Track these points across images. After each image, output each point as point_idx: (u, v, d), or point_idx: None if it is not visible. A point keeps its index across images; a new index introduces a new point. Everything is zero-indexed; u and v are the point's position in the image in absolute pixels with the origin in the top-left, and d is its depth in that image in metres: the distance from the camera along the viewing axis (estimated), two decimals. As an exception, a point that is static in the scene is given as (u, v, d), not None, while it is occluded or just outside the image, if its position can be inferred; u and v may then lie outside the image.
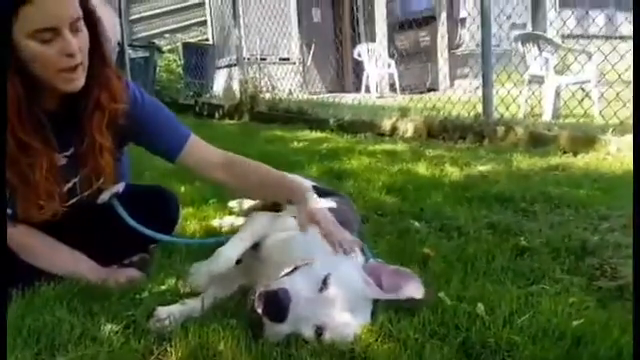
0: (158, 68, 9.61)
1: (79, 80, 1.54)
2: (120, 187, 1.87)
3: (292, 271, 1.41)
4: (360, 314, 1.39)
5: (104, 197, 1.83)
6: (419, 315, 1.42)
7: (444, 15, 10.95)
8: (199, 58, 8.99)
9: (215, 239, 1.93)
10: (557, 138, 4.09)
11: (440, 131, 4.76)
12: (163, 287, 1.70)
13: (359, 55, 9.85)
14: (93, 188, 1.77)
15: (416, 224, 2.29)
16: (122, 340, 1.37)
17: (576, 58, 5.48)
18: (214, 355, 1.27)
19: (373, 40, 10.67)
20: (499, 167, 3.38)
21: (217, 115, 6.83)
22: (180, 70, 9.65)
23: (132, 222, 1.86)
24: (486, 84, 4.57)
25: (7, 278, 1.48)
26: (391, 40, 11.06)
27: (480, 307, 1.46)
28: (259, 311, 1.31)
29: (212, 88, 8.59)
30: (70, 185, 1.74)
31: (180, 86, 9.16)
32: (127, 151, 1.91)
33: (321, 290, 1.34)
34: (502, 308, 1.46)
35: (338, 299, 1.34)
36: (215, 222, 2.37)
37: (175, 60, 10.09)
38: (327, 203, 1.97)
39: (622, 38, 4.81)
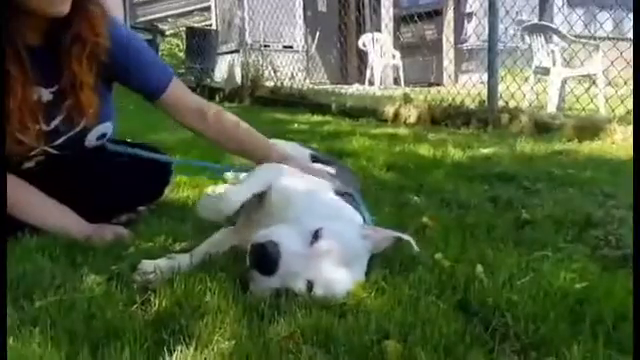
0: (160, 52, 9.55)
1: (64, 5, 1.49)
2: (108, 129, 1.82)
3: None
4: (353, 270, 1.33)
5: (91, 138, 1.78)
6: (415, 274, 1.37)
7: (451, 9, 10.87)
8: (202, 43, 8.90)
9: (220, 166, 1.90)
10: (562, 127, 4.03)
11: (444, 117, 4.69)
12: (150, 244, 1.65)
13: (364, 45, 9.77)
14: (76, 126, 1.72)
15: (415, 198, 2.23)
16: (104, 289, 1.31)
17: (584, 45, 5.38)
18: (199, 306, 1.21)
19: (379, 30, 10.59)
20: (502, 150, 3.32)
21: (218, 98, 6.76)
22: (182, 55, 9.58)
23: (131, 150, 1.87)
24: (491, 71, 4.50)
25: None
26: (396, 32, 10.98)
27: (479, 268, 1.40)
28: (247, 264, 1.26)
29: (214, 73, 8.51)
30: (56, 122, 1.70)
31: (182, 71, 9.08)
32: (113, 94, 1.86)
33: (312, 244, 1.28)
34: (502, 271, 1.40)
35: (330, 253, 1.28)
36: (209, 189, 2.31)
37: (178, 44, 10.03)
38: (325, 168, 1.91)
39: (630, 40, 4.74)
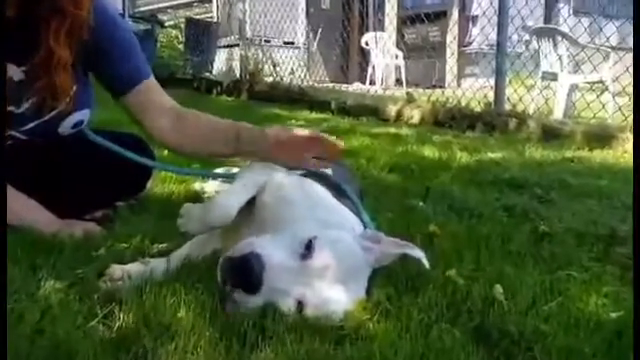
0: (159, 43, 9.34)
1: None
2: (85, 116, 1.64)
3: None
4: (352, 287, 1.13)
5: (66, 126, 1.60)
6: (424, 294, 1.18)
7: (456, 11, 10.70)
8: (201, 35, 8.70)
9: (206, 172, 1.69)
10: (571, 133, 3.85)
11: (448, 119, 4.51)
12: (124, 245, 1.45)
13: (366, 44, 9.58)
14: (48, 111, 1.54)
15: (420, 203, 2.04)
16: (61, 298, 1.12)
17: (598, 50, 5.19)
18: (169, 324, 1.02)
19: (382, 30, 10.41)
20: (511, 155, 3.14)
21: (215, 92, 6.56)
22: (181, 47, 9.38)
23: (109, 144, 1.66)
24: (499, 73, 4.33)
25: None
26: (400, 33, 10.80)
27: (498, 289, 1.22)
28: (225, 281, 1.06)
29: (213, 66, 8.31)
30: (27, 105, 1.52)
31: (180, 63, 8.88)
32: (92, 81, 1.67)
33: (303, 256, 1.09)
34: (523, 293, 1.22)
35: (324, 268, 1.09)
36: (196, 185, 2.12)
37: (177, 36, 9.83)
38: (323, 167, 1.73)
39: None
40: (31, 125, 1.55)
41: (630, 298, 1.25)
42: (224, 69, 7.95)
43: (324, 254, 1.09)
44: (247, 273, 1.03)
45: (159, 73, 8.32)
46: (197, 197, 1.97)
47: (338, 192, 1.53)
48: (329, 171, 1.72)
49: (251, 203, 1.34)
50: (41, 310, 1.06)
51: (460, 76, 10.51)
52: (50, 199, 1.56)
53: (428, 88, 7.42)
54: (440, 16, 10.62)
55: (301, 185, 1.37)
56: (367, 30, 10.27)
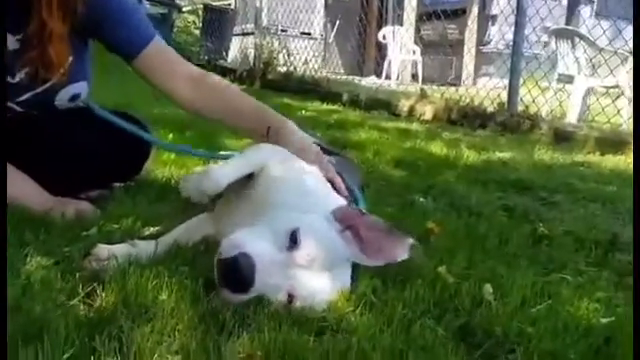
0: (176, 28, 9.36)
1: None
2: (82, 89, 1.63)
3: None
4: (338, 276, 1.12)
5: (62, 98, 1.59)
6: (411, 289, 1.16)
7: (475, 10, 10.59)
8: (218, 22, 8.70)
9: (209, 153, 1.69)
10: (584, 137, 3.79)
11: (460, 117, 4.46)
12: (116, 226, 1.44)
13: (384, 38, 9.51)
14: (42, 82, 1.53)
15: (422, 199, 2.02)
16: (44, 275, 1.11)
17: (616, 53, 5.10)
18: (149, 307, 1.01)
19: (400, 24, 10.33)
20: (520, 157, 3.09)
21: (228, 79, 6.55)
22: (198, 32, 9.38)
23: (112, 118, 1.65)
24: (513, 73, 4.27)
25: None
26: (418, 29, 10.71)
27: (488, 289, 1.20)
28: (217, 282, 1.05)
29: (228, 53, 8.30)
30: (21, 75, 1.51)
31: (196, 49, 8.88)
32: (91, 51, 1.66)
33: (290, 249, 1.07)
34: (513, 294, 1.19)
35: (311, 259, 1.07)
36: (198, 169, 2.11)
37: (194, 21, 9.84)
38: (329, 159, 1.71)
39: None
40: (26, 96, 1.54)
41: (623, 304, 1.22)
42: (239, 57, 7.93)
43: (309, 244, 1.08)
44: (238, 275, 1.02)
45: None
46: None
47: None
48: (332, 162, 1.71)
49: (246, 184, 1.33)
50: (22, 286, 1.05)
51: (476, 75, 10.42)
52: (46, 176, 1.55)
53: (444, 85, 7.36)
54: (459, 14, 10.52)
55: (298, 172, 1.35)
56: (385, 24, 10.20)
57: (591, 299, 1.22)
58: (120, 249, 1.24)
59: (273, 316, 1.01)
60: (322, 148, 1.82)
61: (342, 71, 10.14)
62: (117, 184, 1.81)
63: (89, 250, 1.23)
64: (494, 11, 10.31)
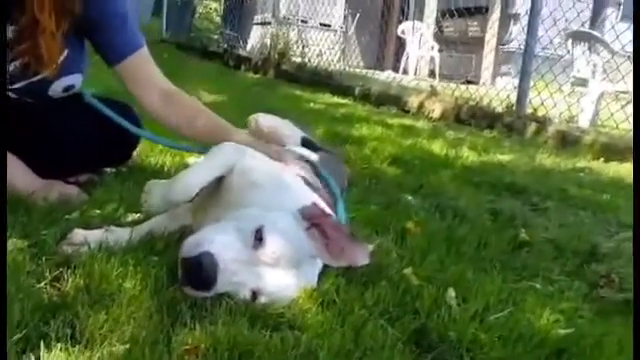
0: (198, 14, 9.41)
1: None
2: (76, 80, 1.67)
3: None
4: (304, 274, 1.14)
5: (56, 89, 1.63)
6: (374, 289, 1.17)
7: (498, 8, 10.48)
8: (240, 10, 8.72)
9: (197, 147, 1.73)
10: (591, 142, 3.75)
11: (468, 117, 4.44)
12: (98, 211, 1.48)
13: (403, 32, 9.47)
14: (33, 74, 1.56)
15: (410, 198, 2.03)
16: (16, 257, 1.14)
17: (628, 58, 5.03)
18: (109, 294, 1.04)
19: (421, 20, 10.27)
20: (520, 160, 3.08)
21: (243, 67, 6.59)
22: (219, 19, 9.41)
23: (107, 110, 1.70)
24: (524, 75, 4.24)
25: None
26: (438, 24, 10.64)
27: (450, 293, 1.21)
28: (180, 280, 1.07)
29: (247, 42, 8.31)
30: (16, 64, 1.54)
31: (216, 36, 8.91)
32: (86, 49, 1.69)
33: (255, 247, 1.09)
34: (477, 299, 1.21)
35: (277, 256, 1.09)
36: (191, 160, 2.13)
37: (216, 9, 9.87)
38: (309, 154, 1.73)
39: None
40: (20, 84, 1.57)
41: (587, 317, 1.23)
42: (257, 46, 7.94)
43: (274, 242, 1.10)
44: (200, 275, 1.04)
45: (192, 44, 8.37)
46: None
47: (320, 180, 1.53)
48: (315, 157, 1.73)
49: (219, 182, 1.35)
50: (-8, 267, 1.08)
51: (495, 74, 10.33)
52: (36, 159, 1.58)
53: (462, 83, 7.31)
54: (481, 11, 10.43)
55: (271, 169, 1.37)
56: (406, 19, 10.14)
57: (555, 309, 1.23)
58: (95, 235, 1.27)
59: (231, 310, 1.03)
60: (309, 144, 1.84)
61: (361, 64, 10.13)
62: (108, 169, 1.85)
63: (65, 234, 1.27)
64: (517, 10, 10.20)
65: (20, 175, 1.54)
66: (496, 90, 4.75)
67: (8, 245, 1.21)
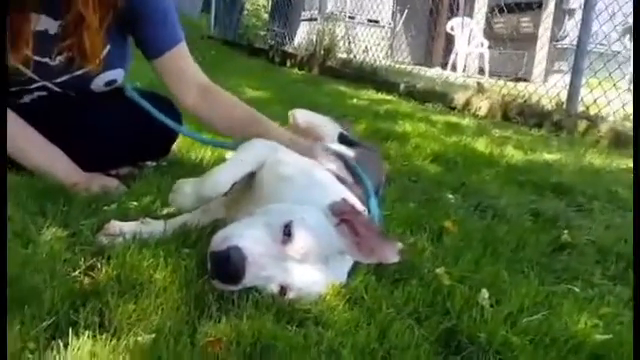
0: (246, 11, 9.50)
1: None
2: (118, 75, 1.71)
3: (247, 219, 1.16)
4: (333, 270, 1.13)
5: (98, 83, 1.68)
6: (404, 288, 1.16)
7: (552, 3, 10.21)
8: (287, 7, 8.74)
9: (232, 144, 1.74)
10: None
11: (516, 114, 4.34)
12: (135, 203, 1.50)
13: (452, 29, 9.35)
14: (77, 68, 1.61)
15: (450, 196, 1.99)
16: (54, 245, 1.17)
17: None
18: (140, 284, 1.05)
19: (471, 17, 10.10)
20: (568, 159, 2.99)
21: (288, 64, 6.61)
22: (266, 16, 9.47)
23: (146, 105, 1.73)
24: (576, 71, 4.11)
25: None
26: (490, 21, 10.43)
27: (484, 294, 1.18)
28: (209, 273, 1.08)
29: (294, 38, 8.33)
30: (61, 58, 1.59)
31: (263, 33, 8.97)
32: (129, 43, 1.73)
33: (284, 242, 1.09)
34: (512, 301, 1.17)
35: (305, 252, 1.09)
36: (228, 155, 2.15)
37: (264, 5, 9.93)
38: (344, 150, 1.72)
39: None
40: (64, 78, 1.62)
41: (629, 323, 1.18)
42: (304, 43, 7.96)
43: (303, 237, 1.09)
44: (229, 268, 1.04)
45: (239, 41, 8.44)
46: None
47: (353, 176, 1.52)
48: (350, 153, 1.72)
49: (251, 178, 1.36)
50: (26, 256, 1.11)
51: (548, 71, 10.07)
52: (78, 152, 1.62)
53: (513, 80, 7.15)
54: (534, 7, 10.18)
55: (302, 165, 1.37)
56: (456, 15, 9.99)
57: (593, 314, 1.18)
58: (130, 226, 1.29)
59: (258, 304, 1.03)
60: (346, 140, 1.83)
61: (409, 61, 10.03)
62: (149, 163, 1.88)
63: (103, 225, 1.30)
64: (572, 5, 9.91)
65: (63, 167, 1.58)
66: (545, 87, 4.61)
67: (46, 234, 1.25)
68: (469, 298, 1.16)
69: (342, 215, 1.16)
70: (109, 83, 1.70)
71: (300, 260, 1.09)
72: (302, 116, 1.89)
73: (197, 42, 7.77)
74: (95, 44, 1.53)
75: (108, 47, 1.61)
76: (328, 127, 1.94)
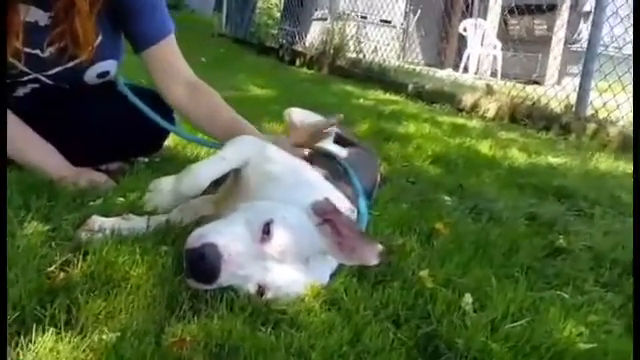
0: (258, 10, 9.48)
1: None
2: (111, 67, 1.70)
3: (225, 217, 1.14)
4: (314, 270, 1.11)
5: (91, 74, 1.67)
6: (384, 291, 1.13)
7: (566, 5, 10.10)
8: (299, 6, 8.71)
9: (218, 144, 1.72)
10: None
11: (524, 116, 4.28)
12: (121, 199, 1.49)
13: (464, 30, 9.27)
14: (71, 58, 1.60)
15: (446, 198, 1.96)
16: (33, 241, 1.16)
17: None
18: (113, 281, 1.04)
19: (484, 18, 10.02)
20: (573, 163, 2.94)
21: (298, 63, 6.58)
22: (278, 15, 9.46)
23: (137, 101, 1.71)
24: (585, 73, 4.06)
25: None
26: (503, 22, 10.35)
27: (467, 298, 1.15)
28: (185, 272, 1.06)
29: (305, 38, 8.30)
30: (52, 49, 1.58)
31: (274, 31, 8.95)
32: (122, 36, 1.71)
33: (263, 240, 1.07)
34: (496, 307, 1.14)
35: (283, 250, 1.07)
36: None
37: (276, 4, 9.90)
38: (336, 149, 1.70)
39: None
40: (56, 70, 1.61)
41: (618, 332, 1.15)
42: (315, 42, 7.93)
43: (282, 236, 1.07)
44: (204, 266, 1.02)
45: (249, 39, 8.42)
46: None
47: (344, 176, 1.50)
48: (344, 153, 1.70)
49: (236, 175, 1.34)
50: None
51: (562, 74, 9.97)
52: (68, 147, 1.61)
53: (526, 83, 7.07)
54: (548, 9, 10.07)
55: (290, 163, 1.34)
56: (470, 16, 9.92)
57: (581, 322, 1.15)
58: (111, 222, 1.28)
59: (232, 304, 1.01)
60: (341, 139, 1.81)
61: (421, 62, 9.96)
62: (141, 159, 1.87)
63: (84, 220, 1.28)
64: (587, 7, 9.80)
65: (52, 161, 1.57)
66: (555, 90, 4.55)
67: (28, 229, 1.24)
68: (451, 302, 1.13)
69: (324, 215, 1.14)
70: (102, 75, 1.68)
71: (279, 259, 1.07)
72: (297, 115, 1.87)
73: (208, 40, 7.79)
74: (87, 30, 1.52)
75: (100, 37, 1.60)
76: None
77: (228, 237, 1.05)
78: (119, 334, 0.88)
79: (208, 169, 1.30)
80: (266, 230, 1.07)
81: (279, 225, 1.08)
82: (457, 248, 1.45)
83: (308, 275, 1.10)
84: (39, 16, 1.53)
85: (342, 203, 1.29)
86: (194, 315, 0.97)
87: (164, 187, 1.32)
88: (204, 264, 1.01)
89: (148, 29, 1.61)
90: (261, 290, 1.05)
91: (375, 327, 0.99)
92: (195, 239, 1.05)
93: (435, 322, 1.06)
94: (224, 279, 1.03)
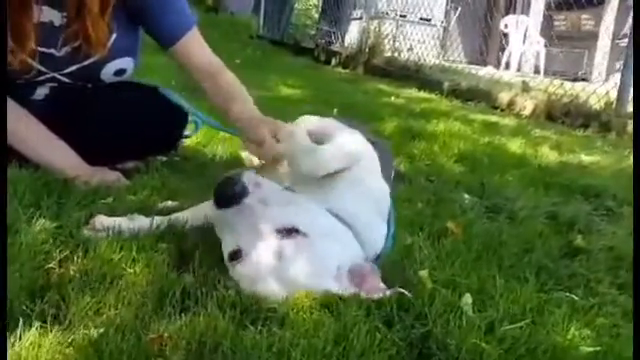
0: (296, 10, 9.52)
1: None
2: (127, 64, 1.73)
3: None
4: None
5: (107, 72, 1.70)
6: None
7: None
8: (337, 6, 8.70)
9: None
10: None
11: (562, 114, 4.17)
12: (132, 197, 1.51)
13: (505, 27, 9.10)
14: (86, 57, 1.63)
15: (465, 197, 1.92)
16: (37, 238, 1.18)
17: None
18: (118, 276, 1.05)
19: (527, 14, 9.80)
20: (606, 161, 2.84)
21: (333, 62, 6.57)
22: (317, 15, 9.48)
23: (162, 89, 1.77)
24: (626, 68, 3.92)
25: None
26: (548, 18, 10.09)
27: (467, 299, 1.12)
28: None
29: (344, 38, 8.28)
30: (67, 49, 1.62)
31: (312, 31, 8.98)
32: (139, 32, 1.74)
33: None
34: (498, 308, 1.11)
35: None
36: (243, 153, 2.14)
37: (315, 5, 9.94)
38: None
39: None
40: (72, 69, 1.65)
41: (625, 335, 1.10)
42: (354, 41, 7.91)
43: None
44: (233, 184, 1.08)
45: (287, 40, 8.45)
46: (238, 163, 1.98)
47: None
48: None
49: None
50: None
51: (610, 70, 9.66)
52: (84, 145, 1.64)
53: (572, 80, 6.88)
54: (595, 3, 9.77)
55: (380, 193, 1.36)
56: (514, 12, 9.74)
57: (587, 324, 1.11)
58: (115, 221, 1.29)
59: (222, 302, 1.01)
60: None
61: (462, 59, 9.81)
62: (159, 157, 1.89)
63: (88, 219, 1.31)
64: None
65: (66, 160, 1.60)
66: (594, 86, 4.41)
67: (36, 226, 1.26)
68: (450, 303, 1.10)
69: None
70: (118, 72, 1.71)
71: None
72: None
73: (245, 42, 7.85)
74: (98, 29, 1.55)
75: (115, 35, 1.62)
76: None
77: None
78: (102, 330, 0.89)
79: (334, 159, 1.28)
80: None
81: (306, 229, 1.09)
82: (467, 248, 1.42)
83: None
84: (54, 16, 1.57)
85: None
86: (182, 312, 0.97)
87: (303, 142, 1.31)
88: (234, 182, 1.08)
89: (170, 25, 1.64)
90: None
91: (364, 327, 0.97)
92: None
93: (431, 323, 1.03)
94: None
